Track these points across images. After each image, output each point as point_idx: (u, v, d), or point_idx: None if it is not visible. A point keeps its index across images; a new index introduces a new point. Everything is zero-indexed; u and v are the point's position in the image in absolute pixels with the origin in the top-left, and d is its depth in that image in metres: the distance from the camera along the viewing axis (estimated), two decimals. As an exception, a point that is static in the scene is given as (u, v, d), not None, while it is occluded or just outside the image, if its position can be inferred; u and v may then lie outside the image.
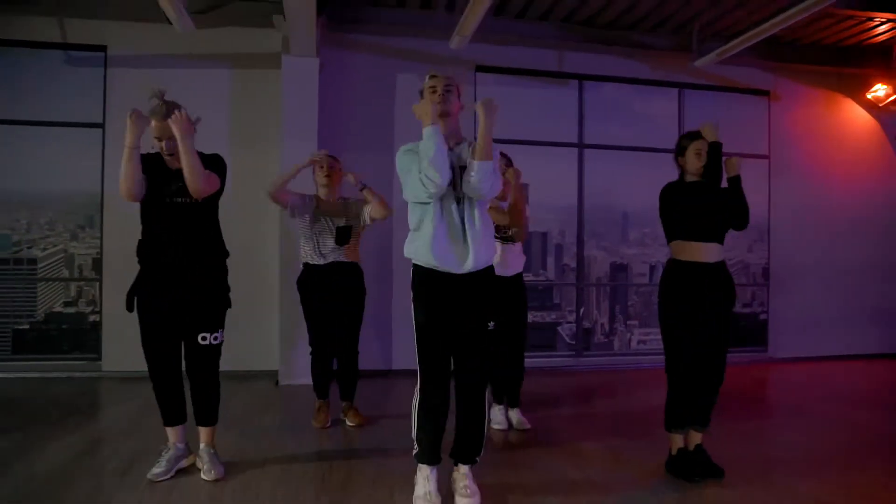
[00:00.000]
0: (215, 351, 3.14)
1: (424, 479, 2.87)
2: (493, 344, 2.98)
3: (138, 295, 3.07)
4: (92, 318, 5.58)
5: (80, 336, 5.58)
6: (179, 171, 2.97)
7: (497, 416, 4.10)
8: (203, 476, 3.09)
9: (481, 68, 6.17)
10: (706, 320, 3.16)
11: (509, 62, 6.23)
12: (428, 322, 2.80)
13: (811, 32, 6.29)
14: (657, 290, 3.36)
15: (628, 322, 6.58)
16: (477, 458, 2.94)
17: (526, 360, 4.19)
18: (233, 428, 3.82)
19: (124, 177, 2.89)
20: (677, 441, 3.29)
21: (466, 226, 2.79)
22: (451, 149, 2.80)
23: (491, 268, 2.93)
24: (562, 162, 6.36)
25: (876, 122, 7.18)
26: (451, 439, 2.93)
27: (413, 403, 2.89)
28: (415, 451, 2.91)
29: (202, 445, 3.19)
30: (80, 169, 5.50)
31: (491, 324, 2.89)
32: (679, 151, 3.36)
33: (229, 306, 3.21)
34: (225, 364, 3.27)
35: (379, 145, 5.69)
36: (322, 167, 4.02)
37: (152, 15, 5.12)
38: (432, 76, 2.90)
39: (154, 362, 3.12)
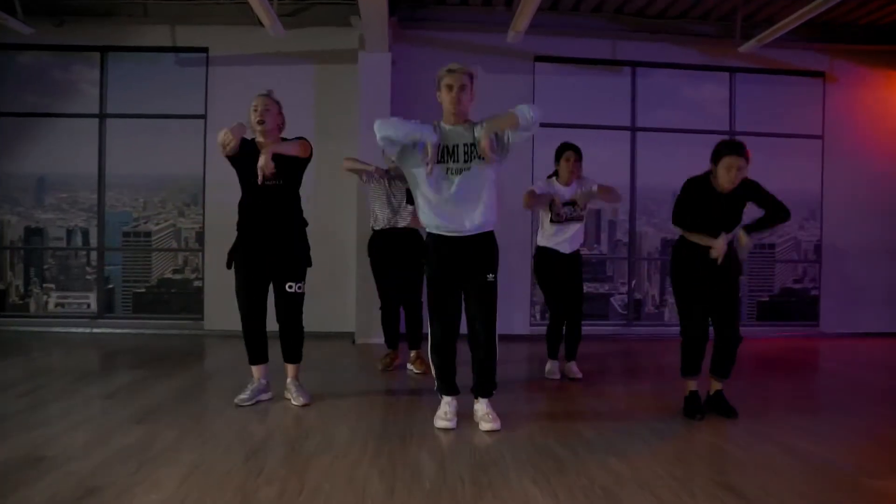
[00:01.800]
0: (299, 298, 3.79)
1: (445, 405, 3.42)
2: (494, 295, 3.37)
3: (235, 257, 3.75)
4: (196, 283, 6.47)
5: (186, 299, 6.47)
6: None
7: (550, 368, 4.65)
8: (293, 402, 3.77)
9: (539, 58, 6.63)
10: (708, 289, 3.58)
11: (565, 52, 6.64)
12: (435, 275, 3.36)
13: (864, 14, 6.42)
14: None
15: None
16: (493, 392, 3.43)
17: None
18: (315, 371, 4.49)
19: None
20: (690, 385, 3.70)
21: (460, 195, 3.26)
22: (458, 125, 3.34)
23: (490, 232, 3.37)
24: (615, 144, 6.75)
25: (940, 100, 7.13)
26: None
27: (427, 347, 3.47)
28: (436, 386, 3.48)
29: (289, 379, 3.86)
30: (186, 155, 6.38)
31: (490, 276, 3.35)
32: (715, 157, 3.53)
33: (310, 265, 3.84)
34: (308, 325, 3.91)
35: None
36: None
37: (247, 19, 5.89)
38: (450, 71, 3.28)
39: (245, 309, 3.75)
